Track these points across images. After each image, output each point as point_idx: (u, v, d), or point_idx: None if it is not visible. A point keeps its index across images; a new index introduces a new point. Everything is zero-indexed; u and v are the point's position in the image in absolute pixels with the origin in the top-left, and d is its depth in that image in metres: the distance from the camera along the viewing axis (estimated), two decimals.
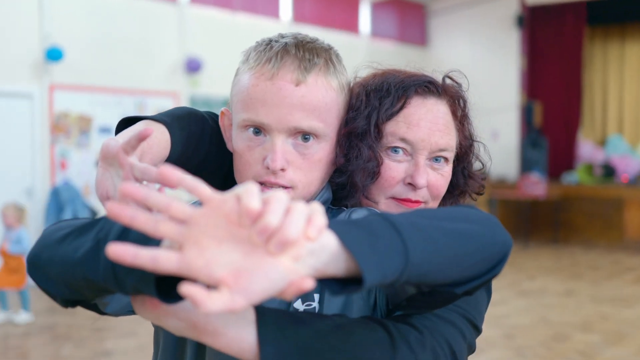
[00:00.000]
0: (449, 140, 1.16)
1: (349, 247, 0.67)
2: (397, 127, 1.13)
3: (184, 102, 8.73)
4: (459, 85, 1.20)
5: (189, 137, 1.08)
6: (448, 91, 1.18)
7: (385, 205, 1.15)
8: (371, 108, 1.13)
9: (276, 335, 0.79)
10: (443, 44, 12.44)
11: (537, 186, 10.26)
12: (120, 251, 0.63)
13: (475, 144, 1.24)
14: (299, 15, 10.09)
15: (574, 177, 10.92)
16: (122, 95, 8.18)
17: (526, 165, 11.05)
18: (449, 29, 12.43)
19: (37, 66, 7.48)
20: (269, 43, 1.04)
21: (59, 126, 7.68)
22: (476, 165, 1.28)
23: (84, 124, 7.89)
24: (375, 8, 11.37)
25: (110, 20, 8.06)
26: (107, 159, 0.93)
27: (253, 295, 0.63)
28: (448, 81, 1.20)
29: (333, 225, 0.69)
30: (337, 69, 1.06)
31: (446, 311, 1.01)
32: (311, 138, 1.03)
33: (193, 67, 8.58)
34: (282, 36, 1.06)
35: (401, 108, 1.14)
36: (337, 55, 1.08)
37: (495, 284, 7.61)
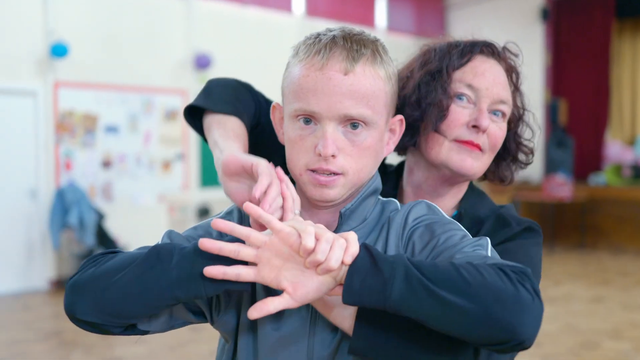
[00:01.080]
0: (507, 95, 1.37)
1: (347, 276, 0.97)
2: (464, 75, 1.35)
3: (192, 99, 8.77)
4: (517, 56, 1.43)
5: (254, 112, 1.38)
6: (506, 60, 1.41)
7: (447, 148, 1.33)
8: (442, 55, 1.37)
9: (369, 315, 1.05)
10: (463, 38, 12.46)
11: (562, 188, 10.27)
12: (213, 271, 1.00)
13: (527, 113, 1.44)
14: (312, 9, 10.14)
15: (601, 179, 10.92)
16: (128, 92, 8.27)
17: (551, 166, 11.05)
18: (469, 22, 12.45)
19: (41, 63, 7.58)
20: (317, 36, 1.15)
21: (64, 125, 7.78)
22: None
23: (90, 123, 7.98)
24: (392, 1, 11.41)
25: (116, 15, 8.15)
26: (231, 174, 1.17)
27: (305, 300, 1.00)
28: (507, 52, 1.42)
29: (361, 255, 0.98)
30: (384, 59, 1.16)
31: None
32: (360, 125, 1.12)
33: (202, 63, 8.65)
34: (330, 30, 1.16)
35: (468, 60, 1.36)
36: (384, 47, 1.18)
37: None
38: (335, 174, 1.12)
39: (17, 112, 7.50)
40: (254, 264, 1.01)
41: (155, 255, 1.05)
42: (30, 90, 7.56)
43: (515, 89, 1.42)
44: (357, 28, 1.18)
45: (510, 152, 1.44)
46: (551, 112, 11.50)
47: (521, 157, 1.46)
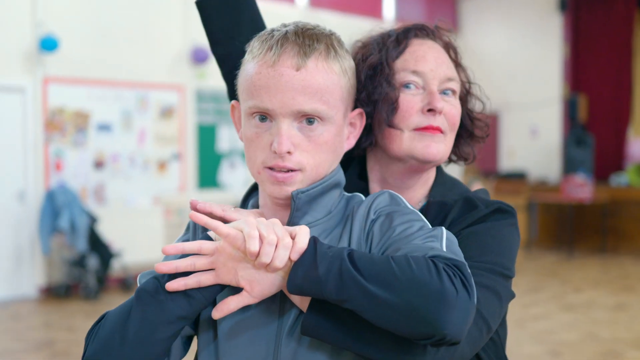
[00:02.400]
0: (453, 72, 1.42)
1: (292, 269, 1.08)
2: (405, 63, 1.40)
3: (189, 96, 8.83)
4: (449, 31, 1.48)
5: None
6: (441, 37, 1.46)
7: (408, 138, 1.37)
8: (379, 47, 1.42)
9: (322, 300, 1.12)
10: (475, 30, 12.47)
11: (582, 189, 10.26)
12: (174, 285, 1.12)
13: (474, 86, 1.49)
14: (316, 0, 10.16)
15: (623, 179, 10.90)
16: (122, 88, 8.29)
17: (570, 166, 11.05)
18: (483, 13, 12.45)
19: (29, 57, 7.61)
20: (270, 32, 1.21)
21: (54, 123, 7.80)
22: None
23: (81, 121, 8.00)
24: None
25: (109, 6, 8.17)
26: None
27: (262, 296, 1.13)
28: (440, 30, 1.47)
29: (307, 250, 1.08)
30: (339, 53, 1.22)
31: (480, 272, 1.22)
32: (315, 121, 1.18)
33: (199, 57, 8.67)
34: (284, 25, 1.22)
35: (405, 47, 1.41)
36: (339, 41, 1.24)
37: (538, 297, 7.63)
38: (292, 170, 1.18)
39: (4, 110, 7.52)
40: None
41: (145, 295, 1.14)
42: (18, 87, 7.58)
43: (457, 64, 1.46)
44: (312, 22, 1.23)
45: (467, 128, 1.48)
46: (570, 108, 11.50)
47: (478, 132, 1.50)
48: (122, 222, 8.21)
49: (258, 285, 1.11)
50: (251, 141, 1.20)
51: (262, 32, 1.23)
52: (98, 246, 7.64)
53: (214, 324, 1.23)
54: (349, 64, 1.24)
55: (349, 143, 1.29)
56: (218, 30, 1.66)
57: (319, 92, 1.16)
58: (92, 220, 7.64)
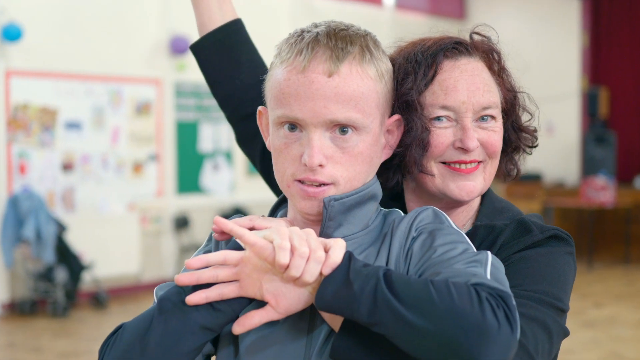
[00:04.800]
0: (490, 97, 1.38)
1: (321, 284, 1.10)
2: (434, 97, 1.36)
3: (168, 90, 8.83)
4: (489, 38, 1.43)
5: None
6: (478, 47, 1.42)
7: (439, 174, 1.37)
8: (405, 75, 1.36)
9: (354, 323, 1.13)
10: (485, 17, 12.48)
11: (603, 192, 10.28)
12: (195, 298, 1.14)
13: (520, 95, 1.46)
14: None
15: None
16: (93, 82, 8.28)
17: (589, 167, 11.07)
18: None
19: None
20: (300, 34, 1.22)
21: (17, 121, 7.79)
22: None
23: (48, 118, 7.99)
24: None
25: None
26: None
27: (288, 312, 1.15)
28: (476, 37, 1.42)
29: (341, 265, 1.10)
30: (375, 55, 1.22)
31: (529, 303, 1.21)
32: (349, 130, 1.20)
33: (179, 47, 8.66)
34: (315, 25, 1.23)
35: (434, 76, 1.37)
36: (375, 41, 1.25)
37: None
38: (324, 184, 1.20)
39: None
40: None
41: (168, 304, 1.17)
42: None
43: (500, 70, 1.44)
44: (345, 22, 1.23)
45: (510, 143, 1.47)
46: (589, 102, 11.52)
47: (525, 142, 1.50)
48: (93, 231, 8.19)
49: (284, 300, 1.13)
50: (279, 152, 1.22)
51: (292, 32, 1.24)
52: (67, 257, 7.62)
53: (235, 339, 1.25)
54: (386, 66, 1.25)
55: (386, 153, 1.31)
56: (216, 72, 1.72)
57: (353, 99, 1.17)
58: (61, 228, 7.62)
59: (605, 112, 11.58)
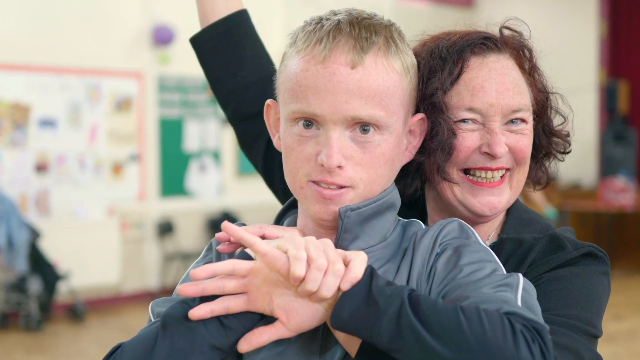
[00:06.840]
0: (520, 99, 1.36)
1: (338, 301, 1.07)
2: (460, 98, 1.35)
3: (150, 83, 8.82)
4: (520, 33, 1.41)
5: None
6: (509, 43, 1.40)
7: (460, 185, 1.36)
8: (430, 73, 1.34)
9: (373, 349, 1.11)
10: (493, 4, 12.50)
11: (623, 194, 10.29)
12: (199, 312, 1.11)
13: (552, 96, 1.44)
14: None
15: None
16: (68, 76, 8.28)
17: (608, 167, 11.08)
18: None
19: None
20: (319, 22, 1.19)
21: None
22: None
23: (20, 115, 7.98)
24: None
25: None
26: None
27: (300, 329, 1.12)
28: (507, 32, 1.40)
29: (361, 281, 1.07)
30: (400, 48, 1.20)
31: (562, 330, 1.20)
32: (371, 129, 1.18)
33: (162, 38, 8.66)
34: (334, 13, 1.20)
35: (459, 74, 1.35)
36: (400, 33, 1.23)
37: None
38: (342, 187, 1.18)
39: None
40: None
41: (173, 322, 1.14)
42: None
43: (532, 69, 1.42)
44: (367, 10, 1.22)
45: (541, 149, 1.46)
46: (608, 97, 11.52)
47: (557, 148, 1.49)
48: (69, 238, 8.18)
49: (296, 316, 1.11)
50: (292, 150, 1.20)
51: (308, 20, 1.22)
52: (41, 266, 7.61)
53: (240, 358, 1.23)
54: (411, 60, 1.24)
55: (408, 155, 1.29)
56: (217, 67, 1.72)
57: (377, 94, 1.16)
58: (34, 235, 7.61)
59: (624, 107, 11.59)
